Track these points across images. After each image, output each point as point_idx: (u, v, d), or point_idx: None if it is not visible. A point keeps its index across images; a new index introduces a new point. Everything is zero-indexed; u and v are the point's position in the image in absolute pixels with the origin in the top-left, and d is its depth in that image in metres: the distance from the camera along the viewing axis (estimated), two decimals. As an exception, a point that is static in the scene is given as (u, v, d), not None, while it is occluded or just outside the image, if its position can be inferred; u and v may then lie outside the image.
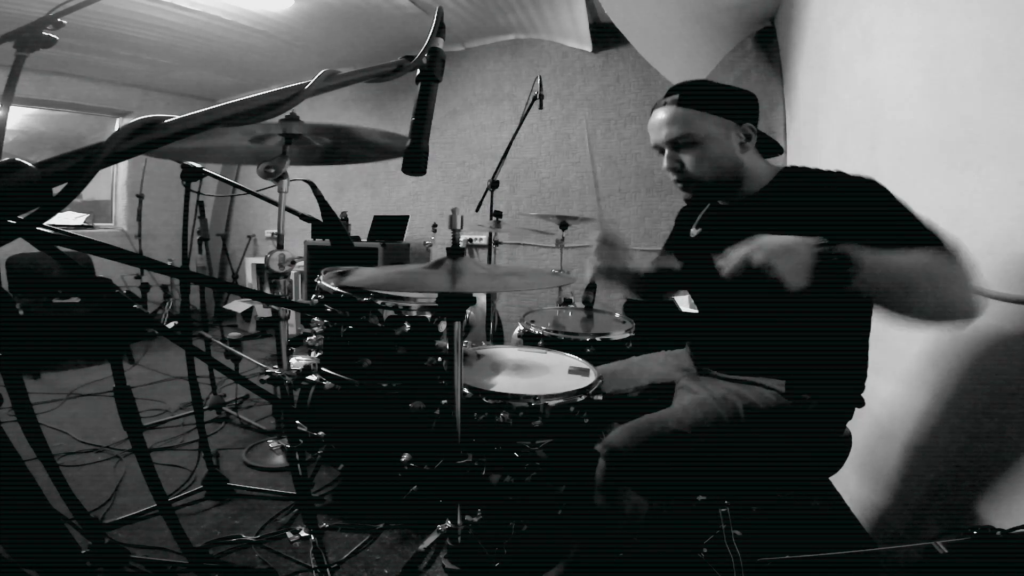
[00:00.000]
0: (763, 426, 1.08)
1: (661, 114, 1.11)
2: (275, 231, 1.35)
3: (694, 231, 1.28)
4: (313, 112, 4.59)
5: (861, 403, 1.12)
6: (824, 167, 1.14)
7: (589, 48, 3.41)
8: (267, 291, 1.31)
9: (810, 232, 0.93)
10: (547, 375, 1.44)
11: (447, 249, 1.11)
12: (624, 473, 1.06)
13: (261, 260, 4.42)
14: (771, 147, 1.21)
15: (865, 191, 0.98)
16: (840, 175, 1.03)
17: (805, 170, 1.11)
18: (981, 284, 1.09)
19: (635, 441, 1.06)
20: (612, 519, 1.09)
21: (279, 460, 1.98)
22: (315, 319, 1.69)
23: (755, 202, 1.13)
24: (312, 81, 0.55)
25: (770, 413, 1.08)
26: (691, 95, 1.09)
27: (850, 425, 1.14)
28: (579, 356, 1.57)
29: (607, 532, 1.12)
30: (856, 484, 1.56)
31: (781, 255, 0.84)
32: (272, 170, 1.20)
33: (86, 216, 4.57)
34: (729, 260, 0.90)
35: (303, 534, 1.38)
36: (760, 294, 1.00)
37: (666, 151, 1.13)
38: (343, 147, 1.46)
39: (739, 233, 1.10)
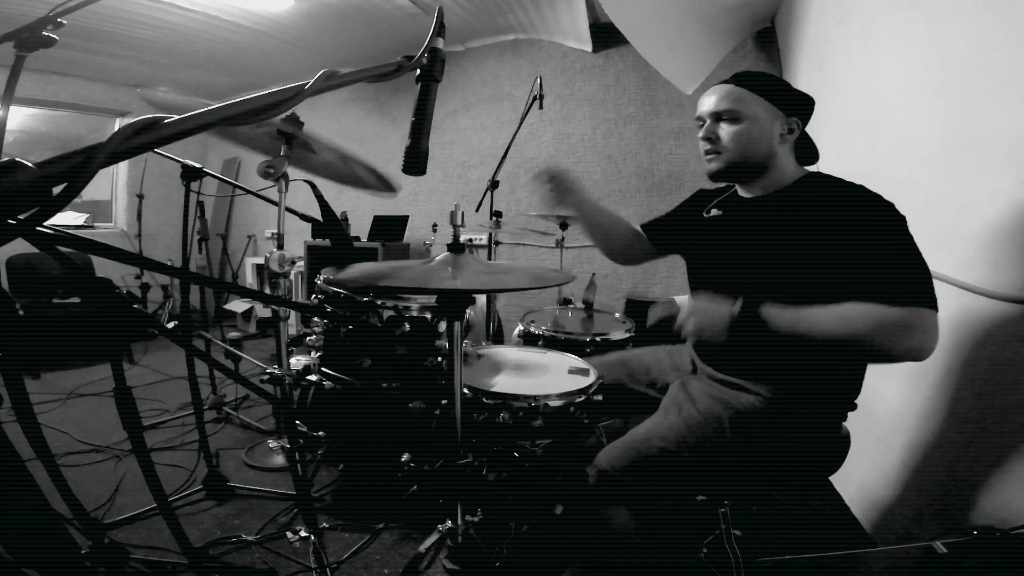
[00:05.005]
0: (750, 434, 1.08)
1: (715, 91, 1.14)
2: (275, 231, 1.35)
3: (713, 212, 1.28)
4: (313, 112, 4.59)
5: (853, 407, 1.12)
6: (828, 168, 1.15)
7: (589, 48, 3.40)
8: (267, 291, 1.31)
9: (817, 242, 1.00)
10: (547, 375, 1.44)
11: (448, 244, 1.11)
12: (613, 492, 1.08)
13: (261, 260, 4.42)
14: (809, 151, 1.21)
15: (871, 220, 0.97)
16: (861, 192, 1.02)
17: (830, 178, 1.11)
18: (980, 285, 1.09)
19: (623, 461, 1.08)
20: (607, 526, 1.10)
21: (279, 460, 1.98)
22: (315, 319, 1.69)
23: (775, 200, 1.14)
24: (312, 81, 0.55)
25: (755, 419, 1.09)
26: (751, 79, 1.12)
27: (850, 425, 1.14)
28: (579, 356, 1.57)
29: (605, 536, 1.12)
30: (856, 484, 1.56)
31: (704, 329, 1.01)
32: (272, 170, 1.20)
33: (86, 216, 4.57)
34: (653, 314, 1.08)
35: (303, 534, 1.38)
36: (763, 290, 1.00)
37: (707, 122, 1.14)
38: (347, 173, 1.46)
39: (758, 224, 1.13)
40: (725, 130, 1.12)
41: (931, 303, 0.91)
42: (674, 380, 1.32)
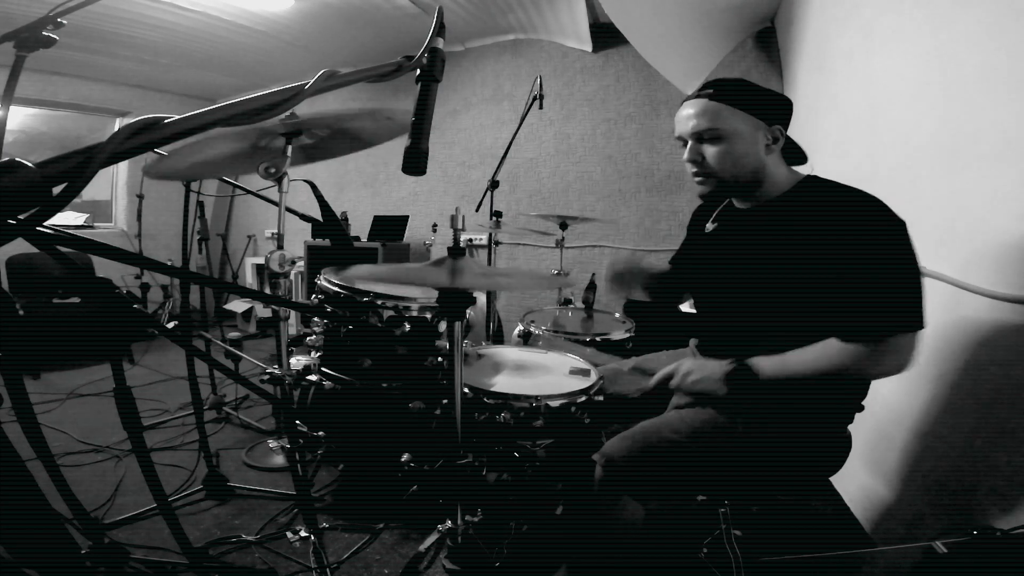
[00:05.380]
0: (759, 430, 1.08)
1: (691, 107, 1.09)
2: (275, 231, 1.34)
3: (710, 226, 1.27)
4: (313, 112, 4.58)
5: (861, 408, 1.11)
6: (827, 168, 1.14)
7: (589, 48, 3.40)
8: (267, 291, 1.31)
9: (815, 253, 0.99)
10: (548, 375, 1.44)
11: (448, 248, 1.11)
12: (621, 483, 1.07)
13: (261, 260, 4.42)
14: (796, 154, 1.19)
15: (870, 240, 0.96)
16: (859, 201, 0.99)
17: (826, 184, 1.08)
18: (980, 285, 1.09)
19: (632, 451, 1.07)
20: (609, 524, 1.10)
21: (279, 460, 1.98)
22: (315, 319, 1.69)
23: (772, 208, 1.12)
24: (312, 81, 0.55)
25: (764, 416, 1.08)
26: (725, 91, 1.07)
27: (850, 425, 1.14)
28: (579, 357, 1.57)
29: (605, 536, 1.12)
30: (856, 484, 1.56)
31: (702, 381, 1.09)
32: (272, 170, 1.20)
33: (86, 216, 4.57)
34: (653, 379, 1.15)
35: (303, 534, 1.37)
36: (761, 300, 1.00)
37: (689, 143, 1.11)
38: (339, 139, 1.44)
39: (754, 236, 1.11)
40: (709, 151, 1.08)
41: (914, 326, 0.94)
42: None
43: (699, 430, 1.08)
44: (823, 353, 0.99)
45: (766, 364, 1.04)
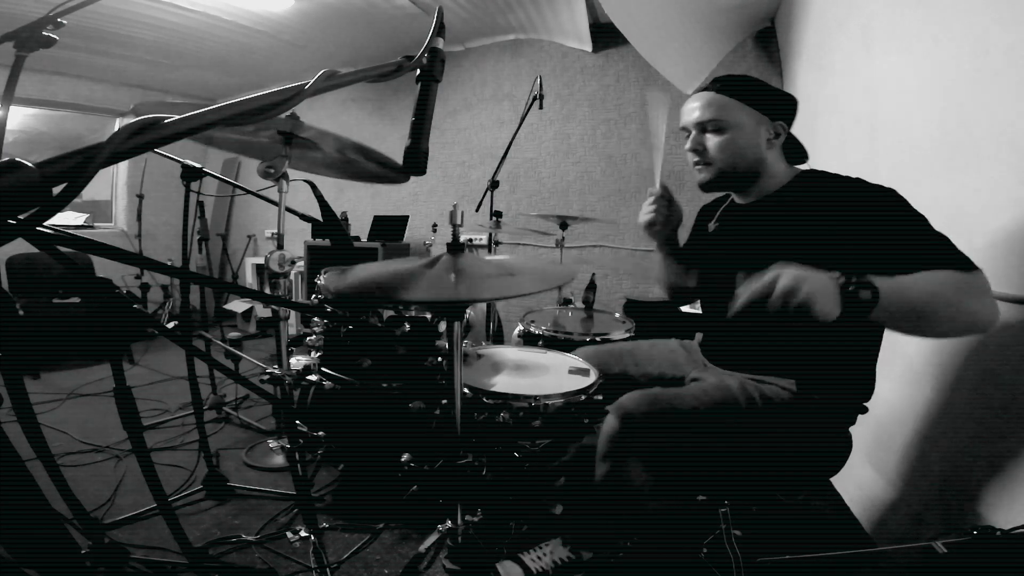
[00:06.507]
0: (775, 418, 1.09)
1: (697, 99, 1.13)
2: (275, 231, 1.35)
3: (712, 225, 1.29)
4: (313, 112, 4.59)
5: (865, 410, 1.12)
6: (826, 168, 1.15)
7: (589, 48, 3.41)
8: (267, 291, 1.31)
9: (826, 238, 0.98)
10: (547, 375, 1.44)
11: (447, 244, 1.10)
12: (635, 439, 1.05)
13: (261, 260, 4.42)
14: (797, 152, 1.20)
15: (884, 202, 0.97)
16: (860, 183, 1.02)
17: (824, 174, 1.11)
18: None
19: (652, 408, 1.06)
20: (615, 490, 1.07)
21: (279, 460, 1.98)
22: (315, 319, 1.69)
23: (772, 202, 1.14)
24: (312, 81, 0.55)
25: (782, 407, 1.09)
26: (731, 85, 1.11)
27: (851, 426, 1.14)
28: (579, 356, 1.57)
29: (611, 505, 1.10)
30: (856, 484, 1.56)
31: (814, 286, 0.78)
32: (272, 170, 1.20)
33: (86, 216, 4.57)
34: (750, 288, 0.83)
35: (303, 534, 1.38)
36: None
37: (692, 133, 1.14)
38: (346, 163, 1.45)
39: (754, 231, 1.12)
40: (711, 141, 1.11)
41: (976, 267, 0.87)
42: (691, 371, 1.31)
43: (720, 402, 1.09)
44: (930, 278, 0.83)
45: (882, 283, 0.81)
